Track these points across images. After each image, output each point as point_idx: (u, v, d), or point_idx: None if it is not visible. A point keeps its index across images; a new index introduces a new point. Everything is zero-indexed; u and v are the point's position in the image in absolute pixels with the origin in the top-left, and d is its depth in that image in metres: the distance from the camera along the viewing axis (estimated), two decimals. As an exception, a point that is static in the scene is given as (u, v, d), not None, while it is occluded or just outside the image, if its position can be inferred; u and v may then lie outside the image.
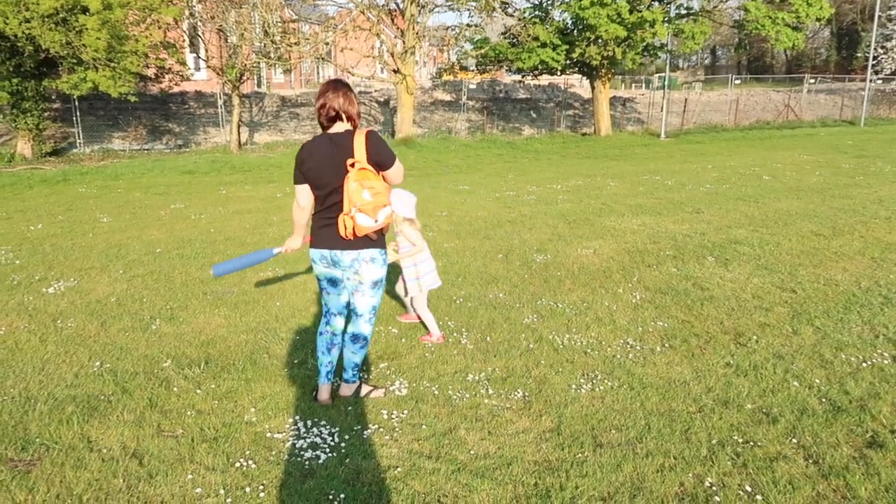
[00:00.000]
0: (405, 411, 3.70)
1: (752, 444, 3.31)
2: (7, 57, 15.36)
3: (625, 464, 3.16)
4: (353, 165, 3.38)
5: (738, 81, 38.78)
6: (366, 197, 3.37)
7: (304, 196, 3.59)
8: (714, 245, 7.36)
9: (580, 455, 3.24)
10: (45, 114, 17.40)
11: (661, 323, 5.01)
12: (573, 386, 3.99)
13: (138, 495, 2.95)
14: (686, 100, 29.52)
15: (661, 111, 24.58)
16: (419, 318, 4.87)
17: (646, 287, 5.88)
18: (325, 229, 3.54)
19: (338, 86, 3.54)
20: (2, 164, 15.78)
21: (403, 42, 20.39)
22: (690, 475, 3.06)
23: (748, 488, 2.95)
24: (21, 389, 3.97)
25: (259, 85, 35.18)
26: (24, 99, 16.27)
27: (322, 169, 3.46)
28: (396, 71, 20.32)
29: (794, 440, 3.34)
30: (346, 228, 3.41)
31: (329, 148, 3.46)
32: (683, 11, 23.62)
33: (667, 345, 4.60)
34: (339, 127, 3.51)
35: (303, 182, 3.54)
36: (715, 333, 4.78)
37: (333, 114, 3.48)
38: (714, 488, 2.96)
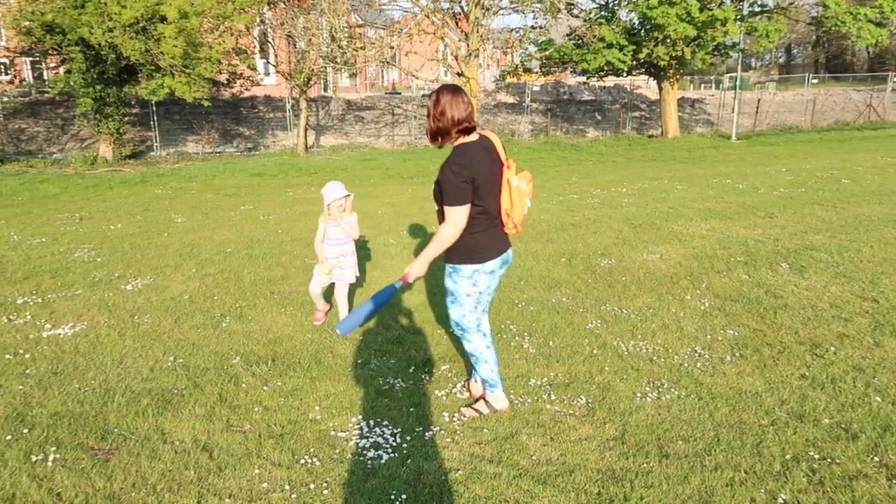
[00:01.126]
0: (467, 415, 3.70)
1: (829, 460, 3.16)
2: (92, 65, 16.20)
3: (692, 476, 3.06)
4: (509, 166, 3.41)
5: (815, 81, 37.19)
6: (525, 188, 3.43)
7: (466, 215, 3.29)
8: (788, 251, 7.07)
9: (645, 465, 3.17)
10: (126, 118, 18.27)
11: (732, 331, 4.84)
12: (638, 394, 3.90)
13: (208, 487, 3.05)
14: (759, 100, 28.51)
15: (732, 112, 23.82)
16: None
17: (715, 294, 5.70)
18: (494, 234, 3.43)
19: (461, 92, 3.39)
20: (85, 167, 16.65)
21: (467, 45, 20.45)
22: (762, 491, 2.95)
23: (825, 507, 2.82)
24: (101, 381, 4.16)
25: (325, 89, 35.95)
26: (107, 104, 17.12)
27: (489, 178, 3.32)
28: (460, 74, 20.39)
29: (876, 458, 3.17)
30: (515, 226, 3.46)
31: (486, 155, 3.35)
32: (757, 9, 22.82)
33: (737, 354, 4.44)
34: (473, 133, 3.39)
35: (470, 199, 3.27)
36: (789, 343, 4.59)
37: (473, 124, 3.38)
38: (788, 505, 2.84)
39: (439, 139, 3.38)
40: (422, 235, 8.24)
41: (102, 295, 5.98)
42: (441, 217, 3.39)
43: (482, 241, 3.38)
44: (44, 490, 3.02)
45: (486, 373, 3.62)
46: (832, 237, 7.68)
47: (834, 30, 21.62)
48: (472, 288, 3.44)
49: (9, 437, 3.46)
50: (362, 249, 7.58)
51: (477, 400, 3.80)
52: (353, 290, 6.03)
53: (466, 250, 3.38)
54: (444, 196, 3.29)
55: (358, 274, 5.21)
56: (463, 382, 4.08)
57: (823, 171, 13.72)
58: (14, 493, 2.99)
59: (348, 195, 4.87)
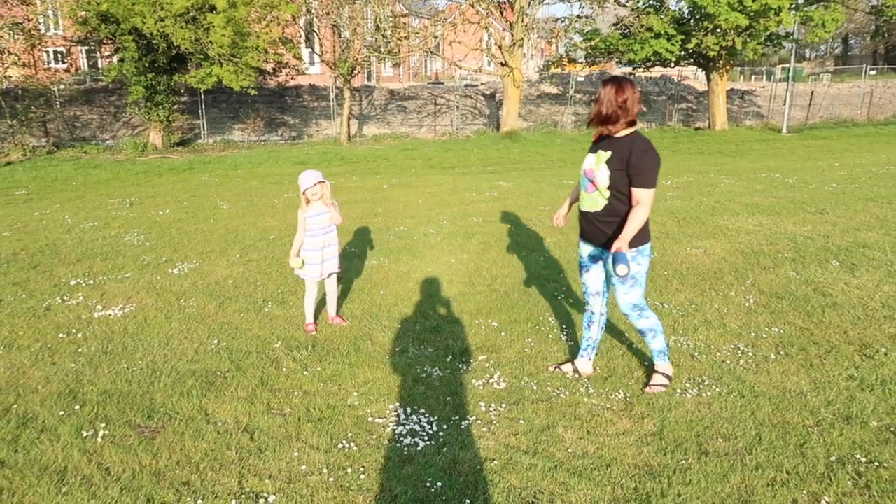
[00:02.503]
0: (503, 405, 3.71)
1: (876, 464, 3.07)
2: (144, 53, 16.60)
3: (732, 474, 3.01)
4: None
5: (873, 72, 35.78)
6: None
7: None
8: (839, 248, 6.85)
9: (683, 462, 3.13)
10: (175, 106, 18.67)
11: (777, 329, 4.73)
12: (678, 390, 3.85)
13: (249, 467, 3.12)
14: (812, 92, 27.61)
15: (784, 104, 23.12)
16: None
17: (760, 290, 5.57)
18: None
19: None
20: (136, 153, 17.11)
21: (512, 35, 20.29)
22: (805, 492, 2.88)
23: (870, 511, 2.74)
24: (148, 362, 4.29)
25: (369, 79, 36.13)
26: (157, 93, 17.53)
27: None
28: (504, 64, 20.25)
29: (927, 464, 3.06)
30: None
31: None
32: (813, -3, 22.06)
33: (782, 352, 4.34)
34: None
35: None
36: (837, 343, 4.46)
37: None
38: (831, 508, 2.77)
39: (608, 125, 3.58)
40: (462, 225, 8.25)
41: (150, 278, 6.15)
42: (619, 199, 3.60)
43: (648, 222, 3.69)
44: (93, 464, 3.13)
45: (661, 343, 3.86)
46: (886, 235, 7.41)
47: (895, 19, 20.75)
48: (648, 265, 3.72)
49: (61, 413, 3.60)
50: (404, 238, 7.62)
51: (651, 376, 3.94)
52: (383, 283, 6.08)
53: (645, 230, 3.64)
54: (642, 179, 3.50)
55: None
56: (499, 374, 4.09)
57: (879, 167, 13.23)
58: (66, 467, 3.11)
59: (322, 182, 4.65)
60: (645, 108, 27.07)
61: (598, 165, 3.62)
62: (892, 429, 3.37)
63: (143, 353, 4.45)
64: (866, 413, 3.53)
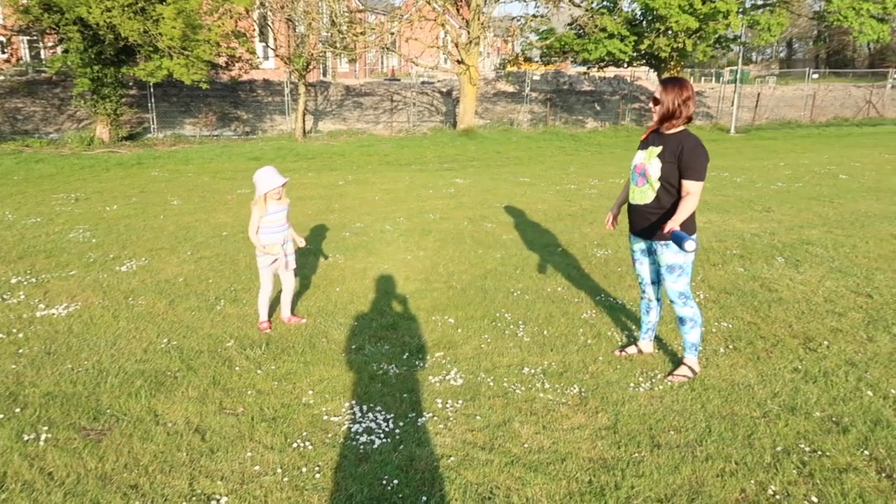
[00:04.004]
0: (460, 401, 3.71)
1: (819, 453, 3.18)
2: (90, 45, 16.05)
3: (683, 466, 3.08)
4: None
5: (815, 76, 37.07)
6: None
7: None
8: (784, 245, 7.07)
9: (637, 454, 3.18)
10: (123, 100, 18.11)
11: (726, 324, 4.85)
12: (631, 384, 3.91)
13: (200, 469, 3.05)
14: (759, 94, 28.45)
15: (732, 105, 23.76)
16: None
17: (710, 286, 5.71)
18: None
19: None
20: (82, 147, 16.55)
21: (468, 32, 20.33)
22: (753, 482, 2.96)
23: (814, 499, 2.83)
24: (94, 362, 4.15)
25: (324, 74, 35.76)
26: (104, 85, 16.98)
27: None
28: (460, 61, 20.28)
29: (866, 452, 3.18)
30: None
31: None
32: (760, 2, 22.72)
33: (731, 346, 4.45)
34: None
35: None
36: (783, 337, 4.60)
37: None
38: (777, 497, 2.85)
39: (671, 121, 3.73)
40: (418, 222, 8.23)
41: (97, 276, 5.96)
42: (668, 191, 3.77)
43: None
44: (35, 469, 3.01)
45: (697, 336, 3.98)
46: (828, 232, 7.69)
47: (836, 25, 21.54)
48: (694, 255, 3.88)
49: (0, 416, 3.46)
50: (360, 235, 7.56)
51: (678, 367, 4.07)
52: (340, 280, 6.02)
53: (692, 221, 3.81)
54: (693, 173, 3.68)
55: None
56: (455, 371, 4.09)
57: (821, 167, 13.72)
58: (5, 472, 2.99)
59: (286, 181, 4.54)
60: (599, 108, 27.49)
61: (649, 160, 3.82)
62: (833, 419, 3.49)
63: (88, 353, 4.30)
64: (810, 404, 3.65)
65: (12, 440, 3.24)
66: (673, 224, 3.61)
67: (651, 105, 3.80)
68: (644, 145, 3.95)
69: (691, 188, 3.69)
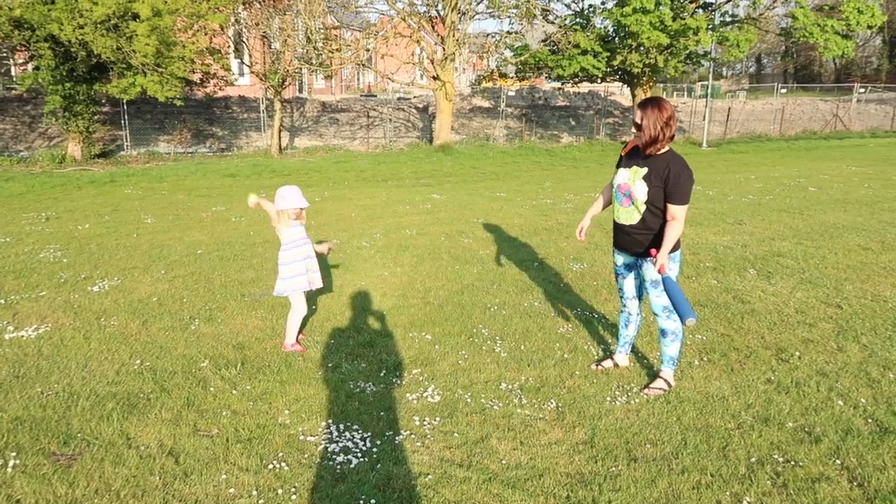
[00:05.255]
0: (437, 418, 3.70)
1: (793, 463, 3.22)
2: (61, 62, 15.86)
3: (660, 479, 3.10)
4: None
5: (783, 90, 37.92)
6: None
7: None
8: (756, 257, 7.19)
9: (614, 469, 3.19)
10: (95, 117, 17.90)
11: (700, 336, 4.91)
12: (608, 398, 3.93)
13: (174, 493, 3.00)
14: (729, 108, 28.99)
15: (704, 120, 24.17)
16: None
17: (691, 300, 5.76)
18: None
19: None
20: (53, 165, 16.31)
21: (443, 49, 20.48)
22: (728, 494, 2.99)
23: (788, 509, 2.86)
24: (65, 385, 4.08)
25: (300, 90, 35.72)
26: (76, 102, 16.77)
27: None
28: (436, 77, 20.41)
29: (838, 461, 3.23)
30: None
31: None
32: (728, 19, 23.21)
33: (705, 358, 4.50)
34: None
35: None
36: (756, 348, 4.67)
37: None
38: (752, 508, 2.88)
39: (655, 145, 3.72)
40: (395, 238, 8.22)
41: (68, 296, 5.86)
42: (653, 213, 3.79)
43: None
44: (2, 497, 2.94)
45: (676, 350, 4.03)
46: (798, 244, 7.83)
47: (802, 41, 22.07)
48: (678, 270, 3.92)
49: (-33, 443, 3.37)
50: (337, 252, 7.53)
51: (654, 380, 4.11)
52: (315, 297, 5.99)
53: (677, 242, 3.83)
54: (679, 196, 3.69)
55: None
56: (433, 387, 4.08)
57: (791, 179, 13.99)
58: (-29, 500, 2.91)
59: (307, 206, 4.55)
60: (574, 122, 27.80)
61: (634, 181, 3.81)
62: (806, 429, 3.54)
63: (59, 375, 4.22)
64: (783, 415, 3.70)
65: (-21, 467, 3.16)
66: (662, 256, 3.65)
67: (634, 130, 3.79)
68: (626, 163, 3.93)
69: (676, 213, 3.71)
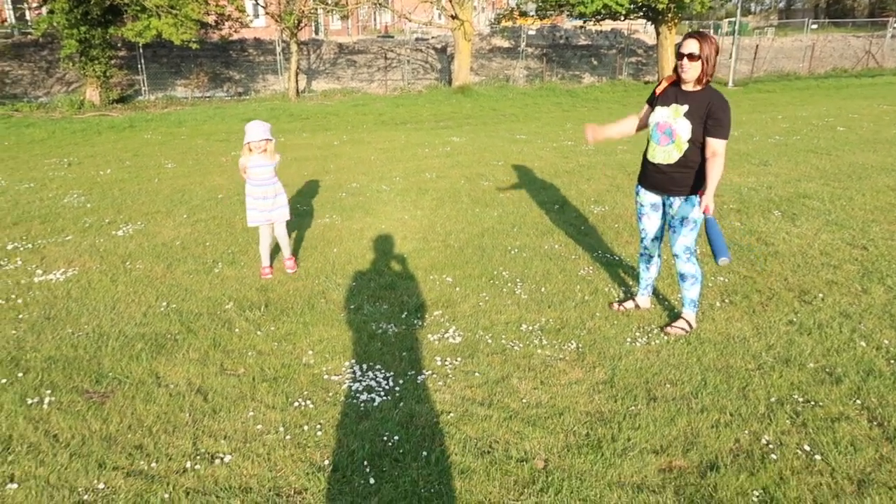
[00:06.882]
0: (458, 358, 3.75)
1: (812, 403, 3.23)
2: (75, 4, 15.69)
3: (679, 418, 3.13)
4: None
5: (814, 26, 36.51)
6: None
7: None
8: (781, 199, 7.07)
9: (633, 408, 3.23)
10: (112, 61, 17.80)
11: (722, 278, 4.88)
12: (628, 339, 3.95)
13: (203, 429, 3.10)
14: (757, 46, 28.04)
15: (730, 58, 23.44)
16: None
17: (707, 241, 5.71)
18: None
19: None
20: (72, 111, 16.33)
21: (462, -14, 19.88)
22: (746, 432, 3.02)
23: (807, 447, 2.89)
24: (94, 326, 4.18)
25: (316, 32, 35.11)
26: (92, 47, 16.65)
27: None
28: (454, 17, 19.91)
29: (858, 401, 3.24)
30: None
31: None
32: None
33: (727, 300, 4.48)
34: None
35: None
36: (778, 290, 4.63)
37: None
38: (771, 446, 2.91)
39: (702, 78, 3.65)
40: (415, 181, 8.19)
41: (93, 241, 5.95)
42: (695, 151, 3.72)
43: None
44: (40, 431, 3.06)
45: (696, 293, 4.02)
46: (825, 185, 7.67)
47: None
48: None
49: (3, 381, 3.49)
50: (356, 196, 7.53)
51: (675, 319, 4.12)
52: (336, 240, 6.02)
53: (703, 180, 3.73)
54: (721, 131, 3.61)
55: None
56: (454, 329, 4.12)
57: (819, 119, 13.62)
58: (11, 435, 3.03)
59: (269, 140, 4.84)
60: (596, 62, 27.12)
61: (675, 118, 3.73)
62: (827, 370, 3.54)
63: (88, 317, 4.32)
64: (804, 356, 3.70)
65: (16, 404, 3.27)
66: (708, 197, 3.57)
67: (686, 62, 3.62)
68: (664, 101, 3.82)
69: (718, 147, 3.62)
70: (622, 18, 23.33)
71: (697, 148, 3.72)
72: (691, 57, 3.59)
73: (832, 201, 6.94)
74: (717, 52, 3.61)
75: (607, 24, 28.32)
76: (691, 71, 3.62)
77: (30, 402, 3.30)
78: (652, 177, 3.95)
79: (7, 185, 8.25)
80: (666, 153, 3.82)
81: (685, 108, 3.70)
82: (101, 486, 2.70)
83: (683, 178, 3.80)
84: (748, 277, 4.88)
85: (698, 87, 3.70)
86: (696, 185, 3.78)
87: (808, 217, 6.38)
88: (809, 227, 6.05)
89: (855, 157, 9.31)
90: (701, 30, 3.75)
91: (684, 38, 3.66)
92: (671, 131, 3.75)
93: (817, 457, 2.83)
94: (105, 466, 2.82)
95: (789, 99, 18.61)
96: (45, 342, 3.95)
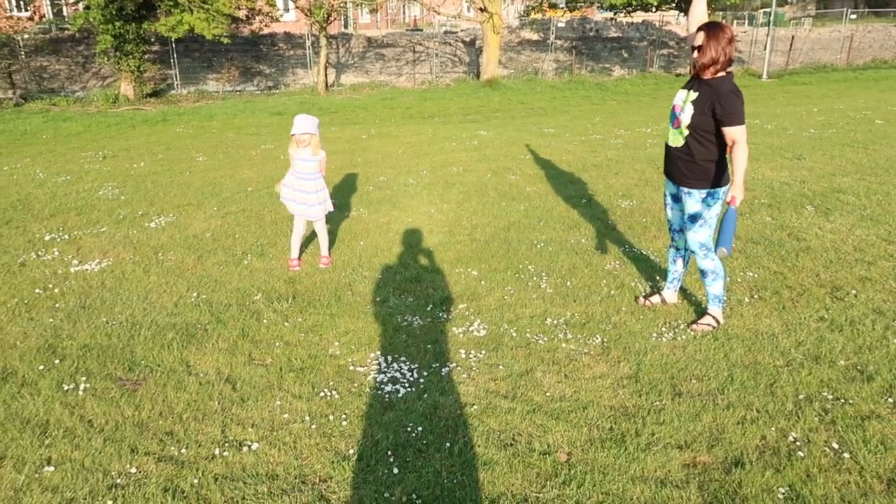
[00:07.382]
0: (483, 351, 3.76)
1: (842, 401, 3.18)
2: (110, 0, 16.00)
3: (704, 414, 3.11)
4: None
5: (853, 16, 35.56)
6: None
7: None
8: (815, 194, 6.93)
9: (658, 403, 3.21)
10: (146, 56, 18.11)
11: (751, 273, 4.81)
12: (654, 334, 3.93)
13: (232, 417, 3.16)
14: (793, 37, 27.44)
15: (765, 49, 22.98)
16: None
17: (736, 236, 5.63)
18: None
19: None
20: (107, 105, 16.67)
21: (491, -21, 19.80)
22: (773, 429, 2.98)
23: (835, 445, 2.85)
24: (128, 316, 4.28)
25: (346, 26, 35.27)
26: (126, 42, 16.97)
27: None
28: (483, 9, 19.84)
29: (891, 400, 3.18)
30: None
31: None
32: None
33: (756, 296, 4.42)
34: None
35: None
36: (809, 286, 4.56)
37: None
38: (798, 443, 2.88)
39: (716, 66, 3.63)
40: (442, 175, 8.20)
41: (127, 232, 6.09)
42: (697, 140, 3.72)
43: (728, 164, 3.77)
44: (76, 417, 3.15)
45: (720, 289, 3.97)
46: (861, 179, 7.50)
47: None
48: (720, 208, 3.85)
49: (41, 367, 3.60)
50: (383, 189, 7.58)
51: (701, 316, 4.08)
52: (363, 233, 6.07)
53: (724, 173, 3.79)
54: (731, 118, 3.58)
55: (331, 209, 5.18)
56: (479, 322, 4.14)
57: (857, 112, 13.29)
58: (48, 420, 3.13)
59: (312, 134, 4.87)
60: (626, 55, 26.79)
61: (685, 103, 3.76)
62: (858, 367, 3.48)
63: (121, 307, 4.43)
64: (835, 353, 3.64)
65: (53, 390, 3.38)
66: (737, 187, 3.57)
67: (693, 54, 3.67)
68: (687, 85, 3.85)
69: (735, 134, 3.58)
70: (654, 10, 23.03)
71: (699, 138, 3.71)
72: (694, 49, 3.66)
73: (868, 196, 6.78)
74: (730, 42, 3.60)
75: (638, 16, 27.98)
76: (700, 61, 3.64)
77: (66, 388, 3.40)
78: (667, 161, 3.99)
79: (45, 177, 8.47)
80: (674, 136, 3.87)
81: (695, 95, 3.72)
82: (133, 470, 2.78)
83: (688, 167, 3.80)
84: (778, 273, 4.81)
85: (712, 77, 3.68)
86: (703, 180, 3.77)
87: (843, 212, 6.25)
88: (843, 223, 5.93)
89: (893, 151, 9.08)
90: (712, 20, 3.72)
91: (696, 31, 3.69)
92: (679, 114, 3.79)
93: (846, 455, 2.79)
94: (137, 451, 2.90)
95: (825, 91, 18.19)
96: (81, 330, 4.06)
